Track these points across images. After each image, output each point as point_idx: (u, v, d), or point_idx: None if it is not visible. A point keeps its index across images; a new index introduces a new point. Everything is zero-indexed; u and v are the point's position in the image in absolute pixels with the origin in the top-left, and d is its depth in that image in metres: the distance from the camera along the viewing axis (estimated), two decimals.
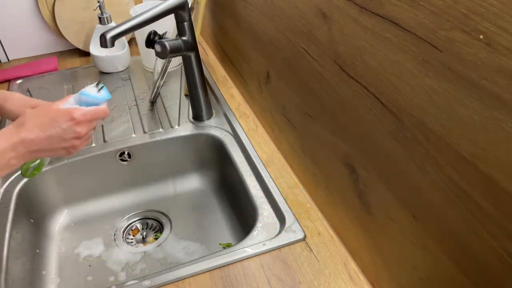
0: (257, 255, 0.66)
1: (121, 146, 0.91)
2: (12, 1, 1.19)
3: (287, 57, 0.72)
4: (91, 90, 0.62)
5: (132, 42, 1.36)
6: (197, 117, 0.98)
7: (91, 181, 0.92)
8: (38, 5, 1.21)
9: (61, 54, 1.31)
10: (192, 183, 0.99)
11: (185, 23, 0.83)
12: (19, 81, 1.16)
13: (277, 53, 0.77)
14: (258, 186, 0.79)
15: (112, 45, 0.71)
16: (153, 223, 0.92)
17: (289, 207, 0.73)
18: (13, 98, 0.63)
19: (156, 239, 0.88)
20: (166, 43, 0.79)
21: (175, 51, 0.82)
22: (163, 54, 0.80)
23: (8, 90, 1.13)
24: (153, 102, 1.05)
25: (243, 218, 0.86)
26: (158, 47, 0.79)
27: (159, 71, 0.99)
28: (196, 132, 0.95)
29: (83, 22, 1.24)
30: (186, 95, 1.07)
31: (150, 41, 0.82)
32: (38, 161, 0.66)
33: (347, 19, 0.52)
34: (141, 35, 1.12)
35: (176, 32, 0.86)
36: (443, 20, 0.38)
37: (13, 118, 0.60)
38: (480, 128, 0.36)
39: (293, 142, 0.79)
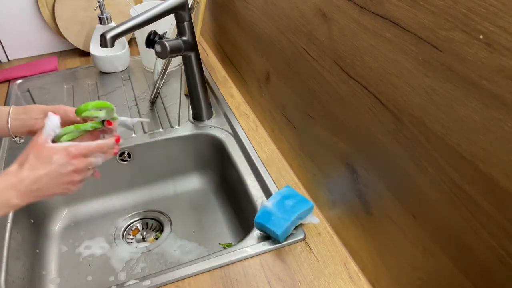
0: (257, 255, 0.66)
1: (121, 146, 0.91)
2: (12, 1, 1.19)
3: (287, 57, 0.72)
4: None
5: (132, 42, 1.36)
6: (197, 117, 0.98)
7: (91, 181, 0.91)
8: (38, 5, 1.21)
9: (61, 54, 1.31)
10: (192, 183, 0.99)
11: (185, 23, 0.83)
12: (19, 81, 1.16)
13: (277, 53, 0.77)
14: (258, 186, 0.79)
15: (112, 45, 0.71)
16: (153, 223, 0.92)
17: None
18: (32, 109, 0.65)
19: (156, 239, 0.88)
20: (166, 43, 0.79)
21: (175, 51, 0.82)
22: (163, 54, 0.80)
23: (8, 90, 1.13)
24: (153, 102, 1.05)
25: (243, 218, 0.86)
26: (158, 47, 0.79)
27: (159, 71, 0.99)
28: (196, 132, 0.95)
29: (83, 22, 1.24)
30: (186, 95, 1.07)
31: (150, 41, 0.83)
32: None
33: (347, 19, 0.52)
34: (141, 35, 1.12)
35: (176, 32, 0.86)
36: (443, 20, 0.38)
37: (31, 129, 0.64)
38: (480, 128, 0.36)
39: (293, 142, 0.79)
